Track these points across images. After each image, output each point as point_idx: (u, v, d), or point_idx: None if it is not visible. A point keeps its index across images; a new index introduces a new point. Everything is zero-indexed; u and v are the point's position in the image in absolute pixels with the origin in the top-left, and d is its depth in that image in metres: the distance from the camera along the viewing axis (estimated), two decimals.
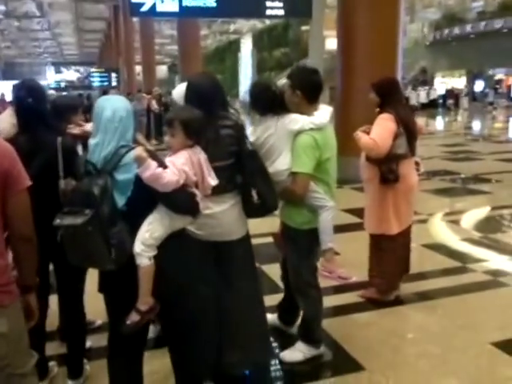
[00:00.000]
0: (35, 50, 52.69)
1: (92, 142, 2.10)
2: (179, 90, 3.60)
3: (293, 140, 2.76)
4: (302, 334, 3.11)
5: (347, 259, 4.55)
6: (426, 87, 29.90)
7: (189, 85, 2.51)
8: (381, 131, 3.47)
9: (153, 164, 1.96)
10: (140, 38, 26.39)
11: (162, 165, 2.03)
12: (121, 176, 2.03)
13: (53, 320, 2.97)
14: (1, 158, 1.72)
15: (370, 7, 7.80)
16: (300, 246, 2.94)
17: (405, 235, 3.75)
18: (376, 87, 3.63)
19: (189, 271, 2.21)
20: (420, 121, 4.03)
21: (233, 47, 37.59)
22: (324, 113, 2.86)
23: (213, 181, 2.22)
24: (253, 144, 2.65)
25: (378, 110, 3.63)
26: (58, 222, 1.99)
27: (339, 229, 5.54)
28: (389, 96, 3.58)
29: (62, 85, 42.17)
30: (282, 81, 3.01)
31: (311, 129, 2.76)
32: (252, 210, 2.55)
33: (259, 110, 2.81)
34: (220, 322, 2.47)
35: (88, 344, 3.03)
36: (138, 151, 1.97)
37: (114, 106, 2.10)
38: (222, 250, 2.51)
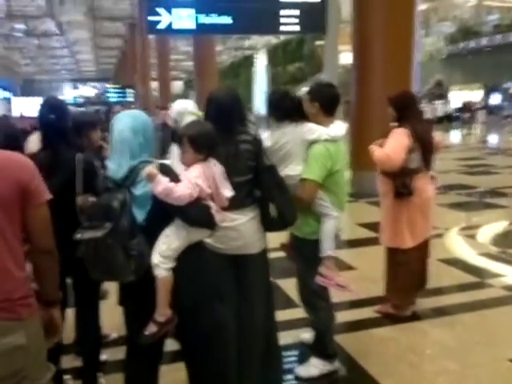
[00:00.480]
0: (53, 67, 53.81)
1: (109, 159, 2.15)
2: (176, 108, 3.69)
3: (307, 148, 2.82)
4: (315, 348, 3.09)
5: (363, 274, 4.55)
6: (442, 101, 29.73)
7: (209, 99, 2.55)
8: (394, 145, 3.49)
9: (163, 179, 2.00)
10: (156, 54, 26.80)
11: (177, 179, 2.06)
12: (139, 191, 2.07)
13: (68, 333, 2.99)
14: (20, 172, 1.75)
15: (385, 21, 7.84)
16: (307, 255, 2.95)
17: (420, 249, 3.72)
18: (393, 102, 3.64)
19: (209, 284, 2.23)
20: (438, 135, 4.01)
21: (247, 62, 37.94)
22: (340, 127, 2.93)
23: (228, 192, 2.24)
24: (269, 149, 2.69)
25: (395, 124, 3.64)
26: (79, 236, 2.04)
27: (355, 243, 5.58)
28: (406, 110, 3.59)
29: (80, 101, 42.83)
30: (302, 90, 3.09)
31: (326, 140, 2.82)
32: (270, 224, 2.57)
33: (277, 116, 2.85)
34: (238, 336, 2.48)
35: (103, 357, 3.04)
36: (148, 168, 2.02)
37: (119, 127, 2.13)
38: (241, 263, 2.53)
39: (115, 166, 2.09)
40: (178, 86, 44.10)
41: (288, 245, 3.18)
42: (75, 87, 50.26)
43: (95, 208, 2.12)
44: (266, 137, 2.80)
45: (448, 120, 27.69)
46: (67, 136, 2.64)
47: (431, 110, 27.09)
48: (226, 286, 2.46)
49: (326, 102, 2.92)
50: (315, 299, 2.99)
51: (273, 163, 2.63)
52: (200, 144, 2.17)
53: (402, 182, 3.53)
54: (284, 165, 2.78)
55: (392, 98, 3.67)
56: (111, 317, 3.38)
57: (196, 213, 2.10)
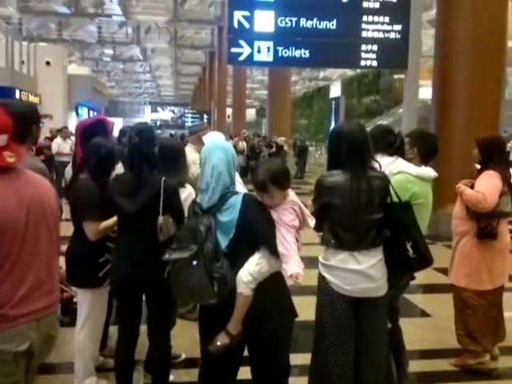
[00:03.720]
0: (136, 91, 56.94)
1: (200, 186, 2.23)
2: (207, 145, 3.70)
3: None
4: None
5: (438, 322, 4.31)
6: None
7: (339, 133, 2.54)
8: (489, 186, 3.37)
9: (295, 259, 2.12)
10: (232, 82, 27.60)
11: (264, 209, 2.18)
12: (224, 218, 2.14)
13: (140, 348, 3.02)
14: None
15: (471, 56, 7.59)
16: None
17: (496, 295, 3.57)
18: (481, 145, 3.56)
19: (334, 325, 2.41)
20: None
21: (321, 93, 38.10)
22: (429, 169, 3.04)
23: (311, 221, 2.30)
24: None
25: (478, 167, 3.53)
26: (166, 257, 2.14)
27: (431, 288, 5.32)
28: (494, 155, 3.50)
29: (158, 123, 44.73)
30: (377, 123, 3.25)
31: (409, 173, 2.91)
32: (408, 265, 2.53)
33: (379, 149, 2.87)
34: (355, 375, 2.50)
35: (171, 378, 3.05)
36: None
37: (214, 160, 2.19)
38: (365, 304, 2.49)
39: (208, 196, 2.17)
40: (250, 113, 45.05)
41: None
42: (154, 110, 52.61)
43: (183, 231, 2.20)
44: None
45: None
46: (150, 159, 2.74)
47: None
48: (346, 327, 2.47)
49: (425, 151, 3.07)
50: None
51: (408, 201, 2.61)
52: (284, 180, 2.23)
53: (488, 224, 3.42)
54: None
55: (480, 141, 3.60)
56: (181, 337, 3.44)
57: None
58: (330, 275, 2.50)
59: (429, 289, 5.29)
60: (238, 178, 2.46)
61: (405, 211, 2.51)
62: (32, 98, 23.62)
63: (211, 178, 2.17)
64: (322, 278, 2.56)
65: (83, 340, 3.02)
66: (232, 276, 2.11)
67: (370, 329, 2.51)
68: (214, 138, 2.72)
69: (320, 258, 2.60)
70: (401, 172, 2.90)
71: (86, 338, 3.02)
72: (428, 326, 4.31)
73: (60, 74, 25.14)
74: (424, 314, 4.61)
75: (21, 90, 21.15)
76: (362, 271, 2.43)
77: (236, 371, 2.34)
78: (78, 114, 30.69)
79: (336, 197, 2.41)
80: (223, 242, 2.13)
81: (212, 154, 2.22)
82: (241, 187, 2.50)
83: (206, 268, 2.05)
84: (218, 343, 2.15)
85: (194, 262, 2.05)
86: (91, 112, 33.14)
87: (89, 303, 3.02)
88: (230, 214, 2.13)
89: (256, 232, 2.13)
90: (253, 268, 2.11)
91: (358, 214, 2.41)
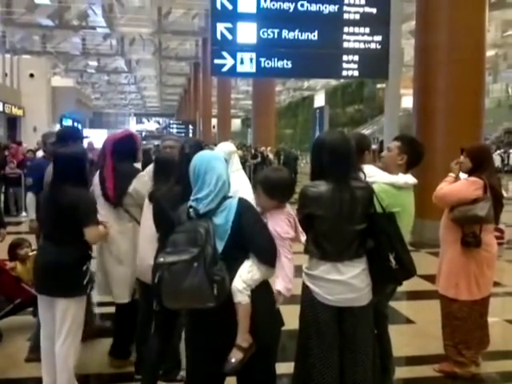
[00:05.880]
0: (121, 102, 56.80)
1: (197, 194, 2.22)
2: (226, 149, 3.81)
3: None
4: None
5: (423, 329, 4.34)
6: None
7: (321, 143, 2.54)
8: (458, 188, 3.50)
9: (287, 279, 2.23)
10: (217, 93, 27.69)
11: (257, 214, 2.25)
12: (219, 220, 2.16)
13: None
14: None
15: (450, 65, 7.72)
16: None
17: (483, 304, 3.59)
18: (471, 154, 3.59)
19: (317, 335, 2.44)
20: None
21: (305, 103, 38.38)
22: (409, 176, 2.99)
23: (303, 237, 2.35)
24: None
25: (465, 176, 3.61)
26: (161, 260, 2.11)
27: (414, 295, 5.36)
28: (483, 163, 3.55)
29: (143, 134, 44.64)
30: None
31: (385, 183, 2.86)
32: (390, 276, 2.54)
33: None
34: None
35: None
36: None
37: (219, 171, 2.22)
38: (348, 314, 2.49)
39: (208, 202, 2.17)
40: (235, 123, 45.13)
41: None
42: (139, 121, 52.49)
43: (178, 235, 2.18)
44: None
45: None
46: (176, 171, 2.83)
47: (499, 159, 26.12)
48: (329, 337, 2.46)
49: (414, 160, 3.04)
50: None
51: (392, 212, 2.61)
52: (273, 190, 2.29)
53: (471, 232, 3.45)
54: None
55: (470, 149, 3.64)
56: None
57: (274, 255, 2.23)
58: (313, 285, 2.51)
59: (413, 296, 5.33)
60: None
61: (388, 222, 2.52)
62: (16, 111, 23.46)
63: (215, 187, 2.18)
64: (305, 288, 2.57)
65: (66, 351, 2.98)
66: (229, 280, 2.13)
67: (353, 338, 2.50)
68: (205, 152, 2.72)
69: (304, 268, 2.61)
70: (375, 183, 2.84)
71: (70, 349, 2.99)
72: (412, 333, 4.34)
73: (44, 86, 25.05)
74: (408, 320, 4.64)
75: (4, 103, 21.02)
76: (344, 281, 2.44)
77: (223, 381, 2.33)
78: (62, 126, 30.50)
79: (319, 207, 2.41)
80: (218, 246, 2.14)
81: (214, 164, 2.24)
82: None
83: (206, 271, 2.05)
84: (233, 360, 2.12)
85: (195, 265, 2.04)
86: (75, 124, 32.95)
87: (74, 312, 2.99)
88: (225, 217, 2.16)
89: (247, 238, 2.15)
90: (245, 275, 2.13)
91: (341, 225, 2.42)
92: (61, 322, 2.99)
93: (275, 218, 2.25)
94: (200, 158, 2.29)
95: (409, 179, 2.97)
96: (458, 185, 3.54)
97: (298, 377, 2.61)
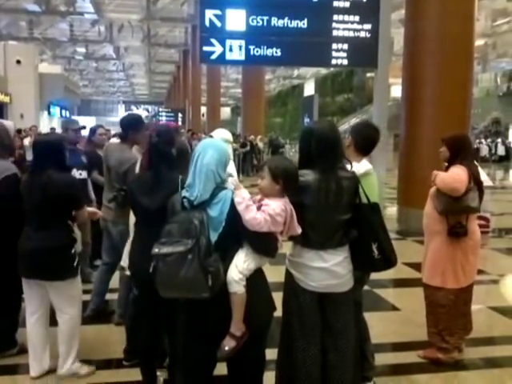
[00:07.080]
0: (109, 89, 56.24)
1: (189, 181, 2.23)
2: (221, 137, 3.78)
3: None
4: None
5: (408, 316, 4.39)
6: (499, 139, 28.63)
7: (310, 131, 2.55)
8: (458, 172, 3.44)
9: (247, 195, 2.16)
10: (207, 81, 27.49)
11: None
12: (213, 213, 2.16)
13: None
14: None
15: (439, 55, 7.73)
16: None
17: (467, 291, 3.64)
18: (449, 143, 3.60)
19: (300, 321, 2.45)
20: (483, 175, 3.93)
21: (295, 91, 38.29)
22: (363, 164, 2.94)
23: (298, 229, 2.31)
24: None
25: (446, 164, 3.60)
26: (156, 251, 2.12)
27: (399, 283, 5.42)
28: (461, 152, 3.55)
29: None
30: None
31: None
32: (372, 265, 2.57)
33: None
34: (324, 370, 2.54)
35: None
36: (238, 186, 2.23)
37: (207, 159, 2.21)
38: (330, 300, 2.52)
39: (200, 192, 2.18)
40: (225, 112, 44.91)
41: None
42: (128, 109, 52.10)
43: (173, 226, 2.18)
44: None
45: (507, 159, 26.75)
46: (168, 159, 2.82)
47: (486, 148, 26.34)
48: (312, 322, 2.49)
49: (360, 142, 2.97)
50: None
51: (376, 202, 2.62)
52: (279, 173, 2.26)
53: (458, 222, 3.47)
54: None
55: (448, 138, 3.64)
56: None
57: (266, 244, 2.21)
58: (296, 272, 2.54)
59: (398, 283, 5.39)
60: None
61: (372, 212, 2.54)
62: (2, 98, 23.13)
63: (202, 174, 2.19)
64: (288, 274, 2.60)
65: (74, 324, 3.19)
66: (223, 270, 2.14)
67: (335, 324, 2.54)
68: (209, 139, 2.72)
69: (287, 255, 2.63)
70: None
71: (76, 324, 3.21)
72: (397, 320, 4.40)
73: (31, 72, 24.65)
74: (394, 307, 4.69)
75: None
76: (327, 269, 2.47)
77: (213, 368, 2.35)
78: (49, 113, 30.15)
79: (305, 196, 2.43)
80: (212, 237, 2.14)
81: (206, 151, 2.23)
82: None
83: (201, 262, 2.06)
84: (226, 348, 2.15)
85: (190, 256, 2.05)
86: (63, 111, 32.60)
87: (70, 292, 3.16)
88: (219, 209, 2.16)
89: (242, 228, 2.15)
90: (241, 265, 2.15)
91: (327, 214, 2.45)
92: (58, 301, 3.16)
93: (273, 201, 2.23)
94: (202, 143, 2.35)
95: (362, 168, 2.88)
96: (455, 170, 3.48)
97: (282, 363, 2.64)
